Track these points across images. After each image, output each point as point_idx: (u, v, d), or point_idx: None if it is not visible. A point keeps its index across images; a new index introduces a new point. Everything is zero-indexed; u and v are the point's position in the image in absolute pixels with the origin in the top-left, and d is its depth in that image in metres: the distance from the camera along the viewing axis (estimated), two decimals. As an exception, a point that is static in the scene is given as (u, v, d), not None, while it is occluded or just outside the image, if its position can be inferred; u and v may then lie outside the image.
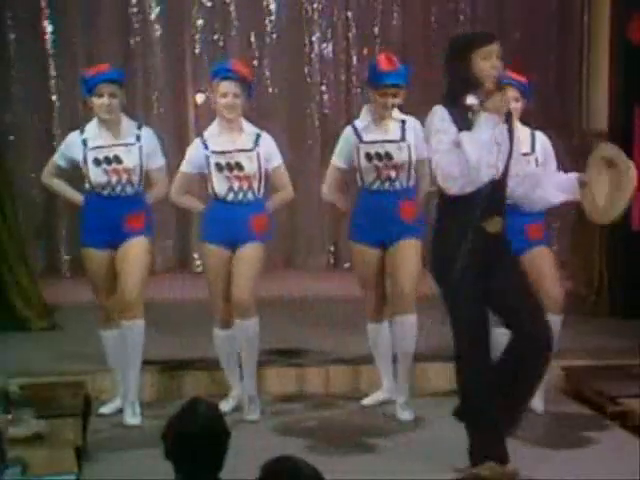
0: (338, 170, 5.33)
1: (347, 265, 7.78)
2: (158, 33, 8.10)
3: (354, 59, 8.13)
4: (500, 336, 4.57)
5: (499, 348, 4.48)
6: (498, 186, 4.28)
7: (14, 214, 6.83)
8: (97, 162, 5.14)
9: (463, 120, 4.22)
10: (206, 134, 5.28)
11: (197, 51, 8.13)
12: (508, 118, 4.34)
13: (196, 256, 7.99)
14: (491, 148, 4.21)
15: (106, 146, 5.15)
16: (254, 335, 5.18)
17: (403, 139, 5.19)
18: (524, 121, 5.25)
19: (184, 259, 8.28)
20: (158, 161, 5.28)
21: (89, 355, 5.71)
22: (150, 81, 8.14)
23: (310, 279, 7.88)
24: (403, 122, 5.22)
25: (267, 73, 8.15)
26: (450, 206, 4.29)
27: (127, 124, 5.22)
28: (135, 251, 5.15)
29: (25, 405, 4.70)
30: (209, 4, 8.11)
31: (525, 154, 5.17)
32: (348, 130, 5.29)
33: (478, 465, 4.28)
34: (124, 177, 5.14)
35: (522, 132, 5.21)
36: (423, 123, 5.30)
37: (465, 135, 4.20)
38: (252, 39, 8.15)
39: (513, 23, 8.08)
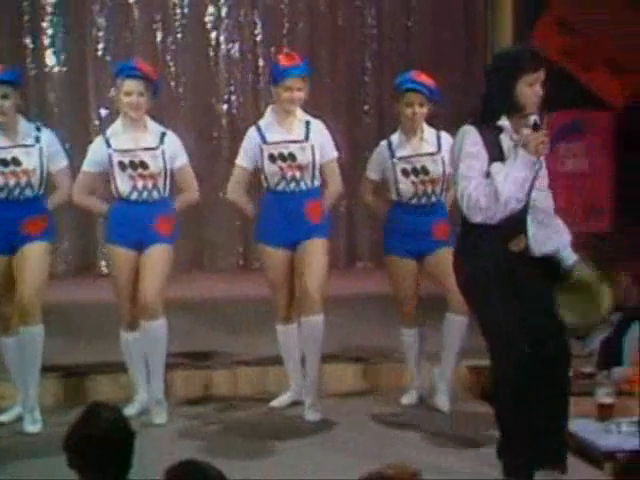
0: (243, 171, 5.34)
1: (257, 266, 7.77)
2: (57, 32, 7.97)
3: (261, 59, 8.14)
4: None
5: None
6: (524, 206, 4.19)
7: None
8: None
9: (494, 142, 4.12)
10: (109, 132, 5.25)
11: (99, 53, 8.02)
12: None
13: (101, 258, 7.89)
14: (524, 185, 4.11)
15: (3, 148, 5.04)
16: (161, 337, 5.16)
17: (306, 139, 5.22)
18: (430, 122, 5.36)
19: (88, 262, 8.17)
20: (60, 162, 5.20)
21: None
22: (48, 83, 8.00)
23: (218, 280, 7.86)
24: (307, 123, 5.26)
25: (172, 73, 8.10)
26: (474, 228, 4.18)
27: (25, 126, 5.12)
28: (33, 255, 5.05)
29: None
30: (110, 3, 8.01)
31: (431, 154, 5.30)
32: (252, 131, 5.31)
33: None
34: (23, 180, 5.04)
35: (428, 133, 5.33)
36: (329, 125, 5.43)
37: (498, 167, 4.09)
38: (157, 39, 8.10)
39: (419, 25, 8.20)
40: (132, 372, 5.32)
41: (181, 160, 5.27)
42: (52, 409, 5.27)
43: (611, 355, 5.52)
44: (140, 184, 5.14)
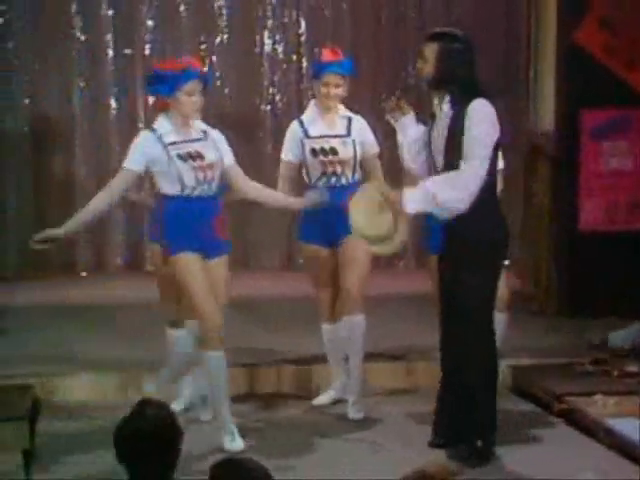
0: (288, 164, 5.31)
1: (301, 265, 7.78)
2: (108, 33, 8.07)
3: (305, 60, 8.16)
4: None
5: None
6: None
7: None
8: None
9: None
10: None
11: (147, 52, 8.11)
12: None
13: (148, 255, 7.96)
14: (410, 147, 4.76)
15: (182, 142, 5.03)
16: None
17: (348, 134, 5.21)
18: None
19: (136, 260, 8.26)
20: None
21: (37, 358, 5.70)
22: (100, 82, 8.10)
23: (263, 279, 7.89)
24: (349, 119, 5.24)
25: (218, 73, 8.16)
26: None
27: None
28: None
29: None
30: (158, 4, 8.09)
31: None
32: (294, 124, 5.30)
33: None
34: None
35: None
36: (370, 122, 5.42)
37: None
38: (203, 39, 8.16)
39: (461, 26, 8.15)
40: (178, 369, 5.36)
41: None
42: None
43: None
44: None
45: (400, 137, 4.79)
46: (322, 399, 5.47)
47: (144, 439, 2.84)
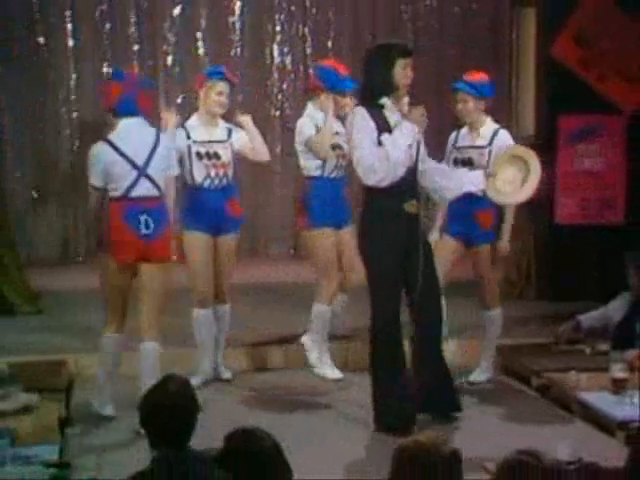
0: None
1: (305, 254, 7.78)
2: (135, 46, 8.08)
3: (310, 70, 8.17)
4: None
5: None
6: (412, 173, 4.43)
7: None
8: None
9: (379, 118, 4.37)
10: (188, 124, 5.26)
11: (169, 64, 8.14)
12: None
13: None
14: (408, 151, 4.37)
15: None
16: (228, 317, 5.38)
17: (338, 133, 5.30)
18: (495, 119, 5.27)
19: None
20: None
21: (71, 336, 5.70)
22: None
23: (272, 267, 7.88)
24: (339, 118, 5.33)
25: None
26: (374, 192, 4.40)
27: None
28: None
29: (13, 381, 4.67)
30: (179, 20, 8.11)
31: (480, 147, 5.18)
32: (305, 123, 5.36)
33: None
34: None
35: (486, 128, 5.21)
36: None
37: (388, 138, 4.34)
38: (219, 53, 8.18)
39: (450, 42, 8.18)
40: (200, 345, 5.33)
41: (240, 144, 5.30)
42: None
43: (626, 337, 5.43)
44: (213, 172, 5.18)
45: (403, 139, 4.40)
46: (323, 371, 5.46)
47: (165, 410, 2.85)
